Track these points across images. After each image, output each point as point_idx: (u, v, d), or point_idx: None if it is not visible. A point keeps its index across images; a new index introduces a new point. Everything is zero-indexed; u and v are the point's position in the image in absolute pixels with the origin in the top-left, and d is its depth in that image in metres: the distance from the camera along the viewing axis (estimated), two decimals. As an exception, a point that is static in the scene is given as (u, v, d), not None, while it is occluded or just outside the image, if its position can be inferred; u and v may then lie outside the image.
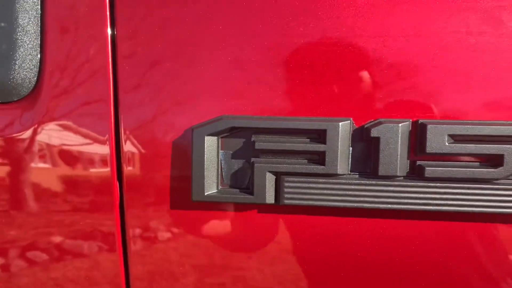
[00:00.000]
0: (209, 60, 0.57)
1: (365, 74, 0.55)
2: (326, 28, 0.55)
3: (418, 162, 0.55)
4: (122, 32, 0.59)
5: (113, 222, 0.62)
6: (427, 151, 0.53)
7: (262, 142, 0.56)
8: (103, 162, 0.60)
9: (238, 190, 0.58)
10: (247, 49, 0.57)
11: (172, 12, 0.58)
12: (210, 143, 0.57)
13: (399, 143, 0.54)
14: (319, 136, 0.56)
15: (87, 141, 0.60)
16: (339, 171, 0.55)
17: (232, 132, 0.57)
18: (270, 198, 0.57)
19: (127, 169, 0.60)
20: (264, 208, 0.59)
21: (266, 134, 0.57)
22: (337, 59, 0.55)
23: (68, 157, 0.61)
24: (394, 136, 0.54)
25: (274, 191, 0.57)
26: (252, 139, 0.57)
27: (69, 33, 0.59)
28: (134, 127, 0.59)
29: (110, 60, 0.59)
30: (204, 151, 0.56)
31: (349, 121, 0.55)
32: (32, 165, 0.62)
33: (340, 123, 0.54)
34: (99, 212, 0.62)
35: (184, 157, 0.58)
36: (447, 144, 0.53)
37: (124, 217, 0.62)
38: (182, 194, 0.59)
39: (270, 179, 0.57)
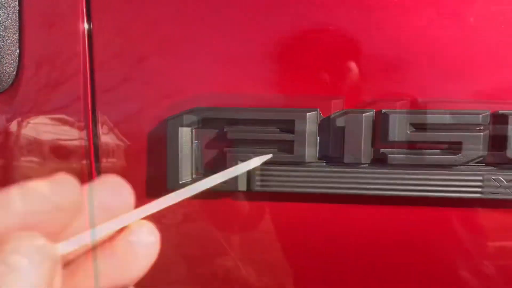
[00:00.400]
0: (185, 54, 0.60)
1: (333, 68, 0.58)
2: (299, 22, 0.57)
3: (382, 150, 0.58)
4: (97, 26, 0.61)
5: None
6: (390, 139, 0.56)
7: (234, 132, 0.59)
8: (81, 154, 0.63)
9: (212, 178, 0.61)
10: (224, 44, 0.59)
11: (148, 6, 0.60)
12: (184, 133, 0.59)
13: (363, 132, 0.57)
14: (288, 126, 0.58)
15: (65, 134, 0.62)
16: (307, 159, 0.58)
17: (205, 123, 0.60)
18: (242, 186, 0.60)
19: (105, 160, 0.63)
20: (236, 195, 0.62)
21: (238, 125, 0.59)
22: (306, 57, 0.58)
23: (46, 149, 0.63)
24: (358, 126, 0.56)
25: (246, 178, 0.60)
26: (225, 129, 0.59)
27: (47, 28, 0.61)
28: (110, 119, 0.62)
29: (87, 53, 0.61)
30: (178, 142, 0.59)
31: (316, 112, 0.58)
32: (9, 156, 0.64)
33: (307, 114, 0.57)
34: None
35: (160, 148, 0.61)
36: (408, 132, 0.56)
37: None
38: (158, 183, 0.62)
39: (242, 168, 0.59)
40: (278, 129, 0.59)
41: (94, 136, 0.62)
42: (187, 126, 0.59)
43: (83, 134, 0.62)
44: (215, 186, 0.60)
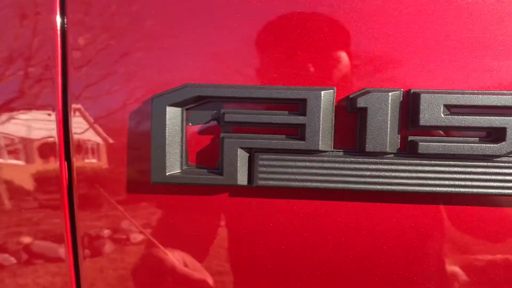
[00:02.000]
0: (170, 36, 0.50)
1: (349, 42, 0.48)
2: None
3: (410, 137, 0.48)
4: (72, 19, 0.51)
5: (62, 222, 0.54)
6: (421, 124, 0.47)
7: (233, 114, 0.49)
8: (51, 151, 0.52)
9: (205, 169, 0.51)
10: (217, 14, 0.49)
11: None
12: (173, 114, 0.49)
13: (389, 115, 0.47)
14: (299, 107, 0.49)
15: (34, 130, 0.52)
16: (321, 147, 0.48)
17: (199, 102, 0.50)
18: (242, 179, 0.50)
19: (77, 157, 0.52)
20: (235, 190, 0.51)
21: (238, 105, 0.50)
22: (320, 28, 0.48)
23: (14, 148, 0.53)
24: (384, 107, 0.47)
25: (247, 170, 0.50)
26: (222, 111, 0.49)
27: (19, 20, 0.52)
28: (84, 111, 0.52)
29: (59, 46, 0.51)
30: (165, 124, 0.49)
31: (333, 91, 0.48)
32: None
33: (322, 92, 0.47)
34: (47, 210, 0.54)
35: (143, 137, 0.51)
36: (443, 116, 0.47)
37: (74, 215, 0.54)
38: (141, 178, 0.51)
39: (242, 157, 0.49)
40: (286, 111, 0.49)
41: (64, 130, 0.52)
42: (177, 105, 0.49)
43: (53, 129, 0.52)
44: (209, 180, 0.50)
